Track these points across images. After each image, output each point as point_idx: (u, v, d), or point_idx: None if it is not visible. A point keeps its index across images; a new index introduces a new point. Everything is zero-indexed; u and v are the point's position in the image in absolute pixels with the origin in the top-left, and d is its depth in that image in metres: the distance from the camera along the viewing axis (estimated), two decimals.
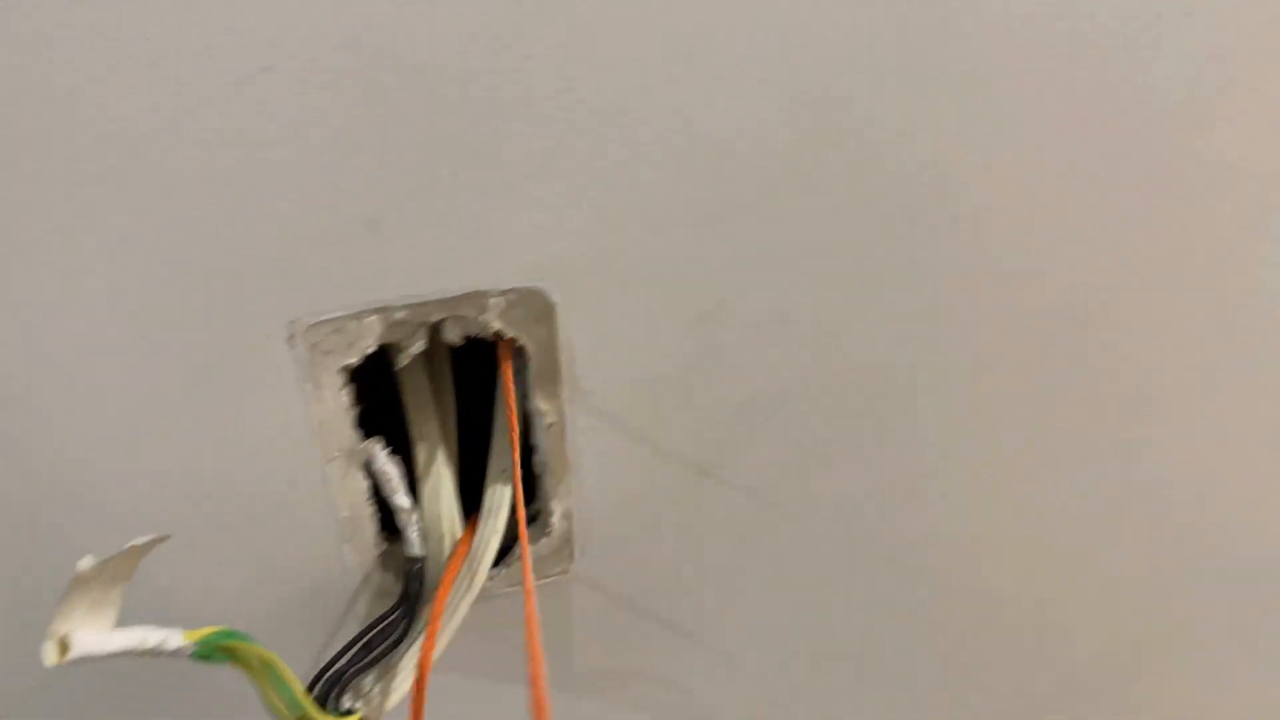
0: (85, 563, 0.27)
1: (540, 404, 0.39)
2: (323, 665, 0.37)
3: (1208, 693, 0.60)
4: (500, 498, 0.40)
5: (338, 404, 0.37)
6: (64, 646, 0.27)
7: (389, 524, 0.40)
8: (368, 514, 0.39)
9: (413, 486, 0.39)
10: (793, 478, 0.43)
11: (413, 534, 0.39)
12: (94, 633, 0.28)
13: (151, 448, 0.35)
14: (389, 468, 0.38)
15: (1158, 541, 0.52)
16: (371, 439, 0.38)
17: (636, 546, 0.43)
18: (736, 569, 0.45)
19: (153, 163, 0.31)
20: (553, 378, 0.38)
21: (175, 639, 0.31)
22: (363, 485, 0.39)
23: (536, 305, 0.37)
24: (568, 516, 0.42)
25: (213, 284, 0.33)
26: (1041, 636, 0.54)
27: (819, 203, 0.37)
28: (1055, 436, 0.46)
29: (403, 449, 0.40)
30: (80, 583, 0.27)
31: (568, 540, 0.42)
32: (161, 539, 0.28)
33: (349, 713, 0.36)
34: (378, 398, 0.40)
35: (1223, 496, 0.51)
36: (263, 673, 0.34)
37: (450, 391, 0.42)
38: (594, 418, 0.39)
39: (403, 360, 0.37)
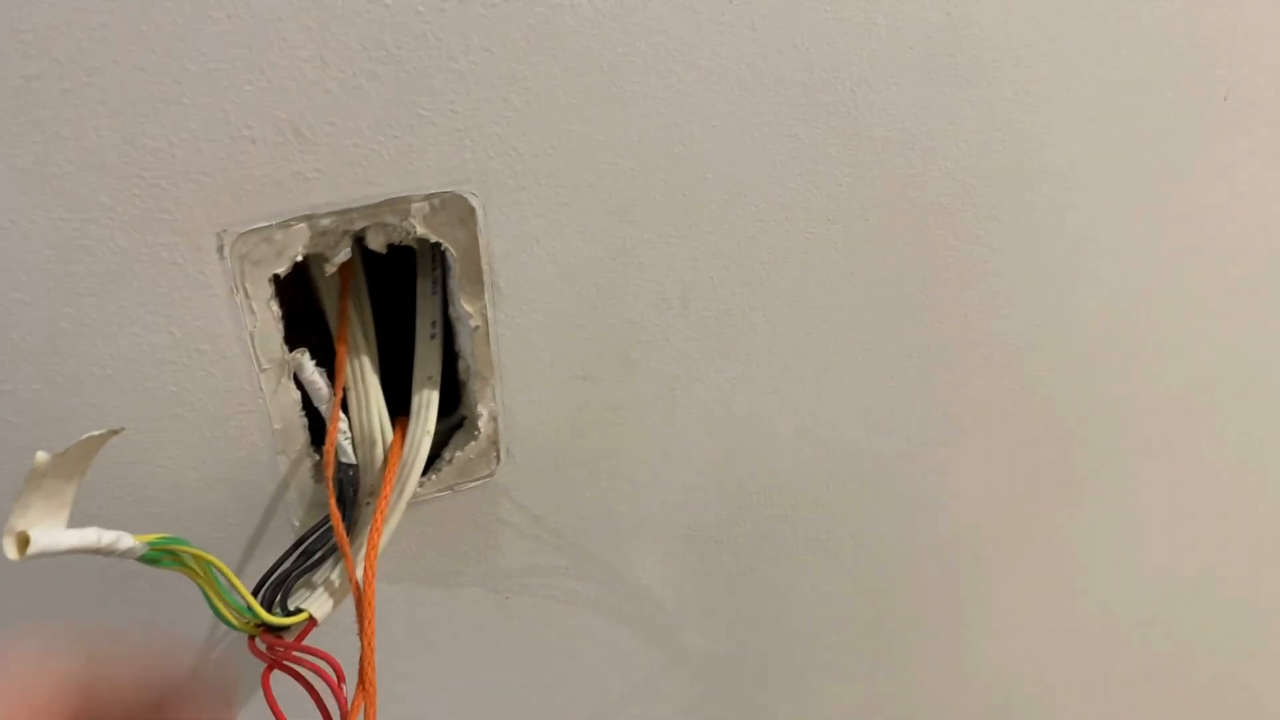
0: (42, 456, 0.27)
1: (465, 307, 0.40)
2: (265, 571, 0.38)
3: None
4: (427, 399, 0.41)
5: (268, 315, 0.37)
6: (23, 542, 0.28)
7: (319, 436, 0.41)
8: (300, 424, 0.40)
9: (342, 397, 0.40)
10: (711, 362, 0.46)
11: (344, 441, 0.40)
12: (50, 529, 0.29)
13: (90, 359, 0.35)
14: (317, 377, 0.39)
15: None
16: (298, 350, 0.39)
17: (562, 444, 0.45)
18: (660, 451, 0.48)
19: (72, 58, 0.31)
20: (476, 281, 0.40)
21: (126, 540, 0.31)
22: (294, 396, 0.39)
23: (458, 209, 0.38)
24: (494, 419, 0.43)
25: (140, 193, 0.33)
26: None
27: (728, 104, 0.40)
28: None
29: (326, 361, 0.40)
30: (37, 476, 0.27)
31: (494, 443, 0.44)
32: (115, 432, 0.29)
33: (297, 612, 0.37)
34: (298, 311, 0.41)
35: None
36: (208, 578, 0.35)
37: (368, 302, 0.43)
38: (517, 319, 0.41)
39: (329, 270, 0.38)
